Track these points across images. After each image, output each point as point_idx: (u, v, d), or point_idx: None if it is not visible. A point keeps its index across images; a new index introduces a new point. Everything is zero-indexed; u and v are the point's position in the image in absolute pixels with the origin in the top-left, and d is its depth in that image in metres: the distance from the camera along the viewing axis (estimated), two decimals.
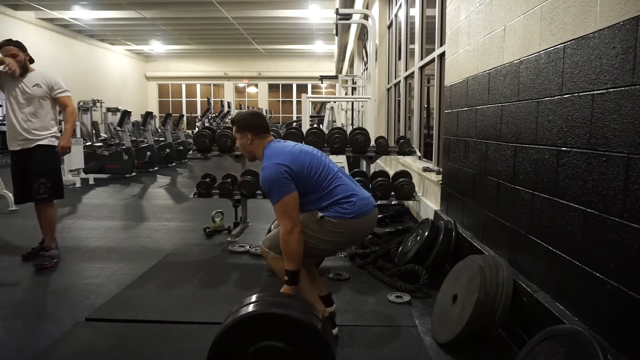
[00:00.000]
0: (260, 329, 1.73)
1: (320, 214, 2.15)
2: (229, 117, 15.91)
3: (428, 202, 4.16)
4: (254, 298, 1.88)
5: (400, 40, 6.91)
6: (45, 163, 3.47)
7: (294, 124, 14.80)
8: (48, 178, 3.46)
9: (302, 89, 24.95)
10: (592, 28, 1.64)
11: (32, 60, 3.53)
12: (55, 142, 3.53)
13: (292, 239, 2.06)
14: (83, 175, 7.83)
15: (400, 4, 6.77)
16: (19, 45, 3.44)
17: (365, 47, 11.17)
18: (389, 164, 6.98)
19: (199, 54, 24.21)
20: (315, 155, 2.26)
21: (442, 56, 4.21)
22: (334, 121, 9.29)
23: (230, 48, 21.87)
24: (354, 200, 2.18)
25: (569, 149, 1.80)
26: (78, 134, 7.89)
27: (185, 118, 16.87)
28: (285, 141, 2.36)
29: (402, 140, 4.37)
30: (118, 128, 9.71)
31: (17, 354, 2.19)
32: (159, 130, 13.64)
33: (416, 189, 4.34)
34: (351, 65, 16.88)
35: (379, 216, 4.80)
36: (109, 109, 14.00)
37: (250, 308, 1.78)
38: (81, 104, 12.58)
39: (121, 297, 2.85)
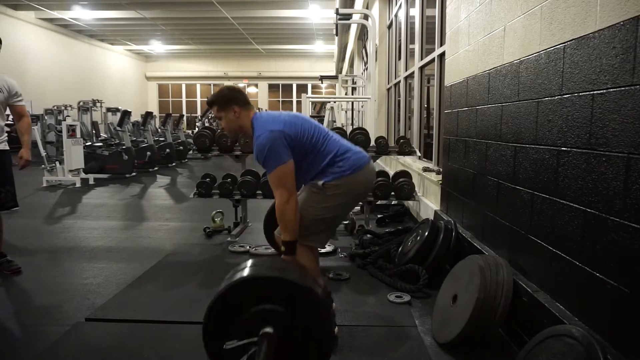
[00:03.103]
0: (257, 292, 1.69)
1: (320, 182, 2.15)
2: None
3: (428, 202, 4.16)
4: (250, 262, 1.84)
5: (400, 40, 6.91)
6: (7, 170, 3.33)
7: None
8: (11, 185, 3.33)
9: (302, 89, 24.95)
10: (592, 28, 1.64)
11: None
12: (7, 148, 3.37)
13: (288, 209, 2.06)
14: (83, 175, 7.83)
15: (400, 4, 6.77)
16: None
17: (365, 47, 11.17)
18: (389, 164, 6.98)
19: (199, 54, 24.21)
20: (305, 118, 2.27)
21: (442, 56, 4.21)
22: (334, 121, 9.29)
23: (230, 48, 21.87)
24: (348, 156, 2.20)
25: (569, 149, 1.80)
26: (78, 134, 7.88)
27: (185, 118, 16.88)
28: (271, 111, 2.33)
29: (402, 140, 4.38)
30: (118, 128, 9.71)
31: (17, 354, 2.19)
32: (159, 130, 13.64)
33: (416, 189, 4.34)
34: (351, 65, 16.88)
35: (379, 216, 4.81)
36: (109, 109, 14.01)
37: (247, 272, 1.74)
38: (81, 104, 12.60)
39: (121, 297, 2.85)
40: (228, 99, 2.25)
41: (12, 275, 3.24)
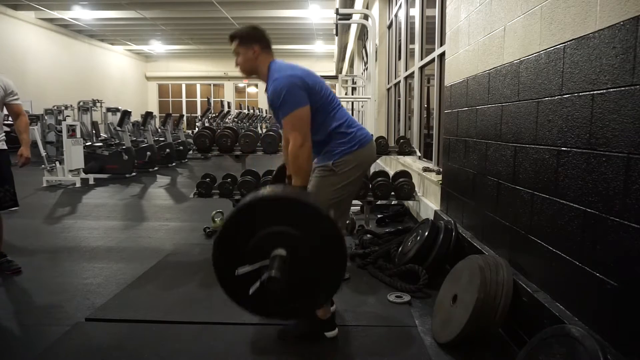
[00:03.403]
0: (271, 214, 1.64)
1: (330, 163, 2.16)
2: (229, 117, 15.93)
3: (428, 202, 4.16)
4: (265, 188, 1.80)
5: (400, 40, 6.91)
6: (6, 170, 3.32)
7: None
8: (10, 184, 3.31)
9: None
10: (592, 28, 1.64)
11: None
12: (5, 147, 3.35)
13: (302, 153, 2.02)
14: (83, 175, 7.83)
15: (400, 4, 6.77)
16: None
17: (365, 47, 11.17)
18: (389, 164, 6.98)
19: (199, 54, 24.20)
20: (319, 76, 2.26)
21: (442, 56, 4.21)
22: None
23: (230, 48, 21.81)
24: (354, 131, 2.21)
25: (569, 149, 1.80)
26: (78, 134, 7.88)
27: (185, 118, 16.87)
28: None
29: (402, 140, 4.38)
30: (118, 128, 9.71)
31: (17, 354, 2.19)
32: (159, 130, 13.63)
33: (416, 189, 4.34)
34: (351, 65, 16.89)
35: (379, 216, 4.81)
36: (109, 109, 14.00)
37: (262, 193, 1.70)
38: (81, 104, 12.60)
39: (121, 297, 2.85)
40: (251, 37, 2.21)
41: (12, 276, 3.23)
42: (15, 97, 3.34)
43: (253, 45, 2.19)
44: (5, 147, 3.35)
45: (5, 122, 3.44)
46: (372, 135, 2.30)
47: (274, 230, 1.62)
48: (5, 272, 3.26)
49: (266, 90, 2.15)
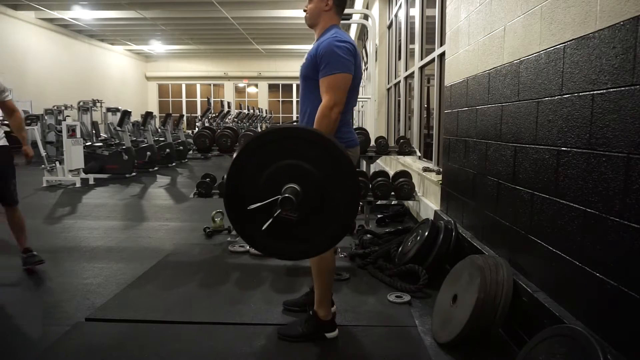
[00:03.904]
0: (283, 147, 1.60)
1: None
2: (229, 117, 15.92)
3: (428, 202, 4.16)
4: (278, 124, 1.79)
5: (400, 40, 6.91)
6: (11, 165, 3.34)
7: (295, 124, 14.77)
8: (15, 179, 3.34)
9: None
10: (592, 28, 1.64)
11: None
12: (7, 144, 3.34)
13: (330, 115, 1.96)
14: (83, 175, 7.83)
15: (400, 4, 6.78)
16: None
17: (365, 47, 11.16)
18: (389, 164, 6.98)
19: (199, 54, 24.20)
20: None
21: (442, 56, 4.21)
22: None
23: (230, 48, 21.87)
24: (349, 130, 2.23)
25: (569, 149, 1.80)
26: (78, 134, 7.88)
27: (185, 118, 16.88)
28: None
29: (402, 140, 4.37)
30: (118, 128, 9.71)
31: (17, 354, 2.19)
32: (159, 130, 13.63)
33: (416, 189, 4.34)
34: None
35: (379, 216, 4.81)
36: (109, 109, 14.01)
37: (287, 125, 1.69)
38: (81, 104, 12.60)
39: (121, 297, 2.85)
40: None
41: (34, 268, 3.30)
42: (6, 94, 3.32)
43: None
44: (5, 143, 3.33)
45: (4, 122, 3.47)
46: (359, 141, 2.36)
47: (285, 163, 1.59)
48: (29, 266, 3.31)
49: (315, 44, 2.09)
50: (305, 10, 2.24)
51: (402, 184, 4.20)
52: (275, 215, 1.56)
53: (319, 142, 1.62)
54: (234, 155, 1.70)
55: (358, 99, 2.49)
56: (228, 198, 1.71)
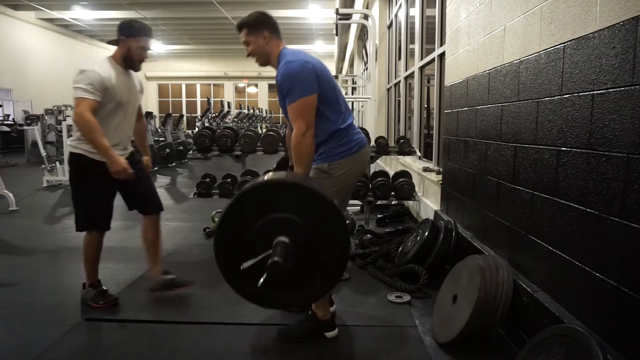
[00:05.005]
0: (274, 199, 1.62)
1: (325, 165, 2.13)
2: (229, 117, 15.91)
3: (428, 202, 4.16)
4: (270, 173, 1.78)
5: (400, 40, 6.91)
6: (144, 168, 2.85)
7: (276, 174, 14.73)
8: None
9: None
10: (592, 28, 1.64)
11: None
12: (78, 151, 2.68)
13: (305, 141, 1.99)
14: None
15: (400, 4, 6.78)
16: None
17: (365, 47, 11.17)
18: (389, 164, 6.98)
19: (199, 54, 24.20)
20: (331, 75, 2.24)
21: (442, 56, 4.21)
22: None
23: (230, 48, 21.86)
24: (353, 133, 2.21)
25: (569, 149, 1.80)
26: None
27: (185, 118, 16.88)
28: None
29: (402, 140, 4.38)
30: None
31: (17, 354, 2.19)
32: (159, 130, 13.63)
33: (416, 189, 4.34)
34: (351, 65, 16.89)
35: (379, 216, 4.81)
36: None
37: (269, 177, 1.70)
38: None
39: (121, 297, 2.85)
40: (259, 23, 2.17)
41: (188, 289, 2.78)
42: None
43: (262, 31, 2.16)
44: (78, 150, 2.52)
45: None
46: (367, 139, 2.30)
47: (275, 217, 1.59)
48: (177, 288, 2.81)
49: (276, 75, 2.11)
50: (250, 55, 2.25)
51: (402, 184, 4.20)
52: (270, 262, 1.56)
53: (300, 191, 1.64)
54: (218, 221, 1.69)
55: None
56: (218, 256, 1.72)
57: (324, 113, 2.10)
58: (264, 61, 2.22)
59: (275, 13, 15.06)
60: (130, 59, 2.54)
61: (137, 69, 2.65)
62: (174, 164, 10.71)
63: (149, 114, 10.92)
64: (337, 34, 11.12)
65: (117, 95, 2.48)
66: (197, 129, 14.14)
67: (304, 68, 2.01)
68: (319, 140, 2.14)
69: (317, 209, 1.61)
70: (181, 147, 11.18)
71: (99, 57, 2.50)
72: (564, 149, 1.83)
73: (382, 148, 4.24)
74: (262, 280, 1.55)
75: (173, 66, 25.70)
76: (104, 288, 2.69)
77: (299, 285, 1.70)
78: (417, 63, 5.49)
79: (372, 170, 4.76)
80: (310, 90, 2.01)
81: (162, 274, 2.81)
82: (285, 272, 1.57)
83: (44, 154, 8.34)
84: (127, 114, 2.62)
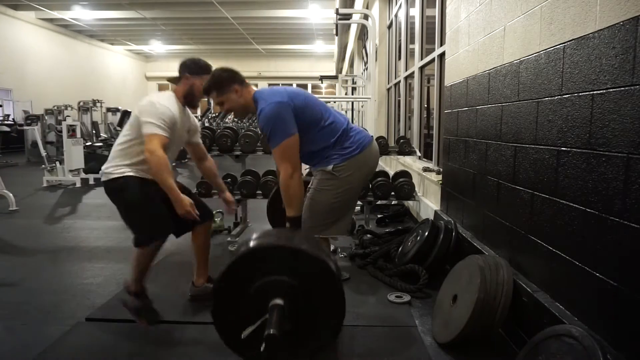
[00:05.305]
0: (266, 263, 1.65)
1: (329, 167, 2.14)
2: (229, 117, 15.91)
3: (428, 202, 4.16)
4: (260, 233, 1.81)
5: (400, 40, 6.91)
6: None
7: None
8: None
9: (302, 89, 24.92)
10: (592, 28, 1.64)
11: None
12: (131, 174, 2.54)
13: (293, 183, 2.04)
14: (83, 175, 7.83)
15: (400, 4, 6.78)
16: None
17: (365, 47, 11.17)
18: (389, 164, 6.98)
19: (199, 54, 23.93)
20: (308, 93, 2.28)
21: (442, 56, 4.21)
22: None
23: (230, 48, 21.86)
24: (353, 134, 2.21)
25: (569, 149, 1.80)
26: (78, 134, 7.88)
27: None
28: (272, 87, 2.29)
29: (402, 140, 4.38)
30: (118, 128, 9.72)
31: (17, 354, 2.19)
32: None
33: (416, 189, 4.34)
34: (351, 65, 16.89)
35: (379, 216, 4.81)
36: (109, 109, 14.00)
37: (257, 241, 1.72)
38: (81, 104, 12.60)
39: (121, 297, 2.84)
40: (226, 79, 2.18)
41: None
42: (199, 136, 2.78)
43: (232, 86, 2.17)
44: (130, 173, 2.43)
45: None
46: (371, 136, 2.29)
47: (267, 281, 1.64)
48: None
49: (257, 120, 2.16)
50: (228, 112, 2.27)
51: (402, 184, 4.20)
52: (266, 335, 1.57)
53: (287, 252, 1.67)
54: (212, 293, 1.73)
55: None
56: (220, 332, 1.77)
57: (317, 132, 2.14)
58: (244, 112, 2.24)
59: (275, 13, 15.01)
60: (192, 97, 2.49)
61: (196, 107, 2.63)
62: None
63: None
64: (337, 34, 11.13)
65: (176, 132, 2.43)
66: None
67: (279, 109, 2.03)
68: (318, 150, 2.16)
69: (306, 267, 1.65)
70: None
71: (165, 93, 2.43)
72: (564, 149, 1.83)
73: (382, 148, 4.22)
74: (262, 349, 1.58)
75: (173, 66, 25.24)
76: (150, 300, 2.48)
77: (303, 341, 1.74)
78: (417, 63, 5.49)
79: None
80: (290, 131, 2.04)
81: (207, 281, 2.72)
82: (285, 335, 1.60)
83: (44, 154, 8.35)
84: (173, 150, 2.57)
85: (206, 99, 2.65)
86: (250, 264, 1.67)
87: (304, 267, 1.65)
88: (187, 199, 2.29)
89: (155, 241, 2.38)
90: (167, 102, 2.36)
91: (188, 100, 2.50)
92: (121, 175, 2.41)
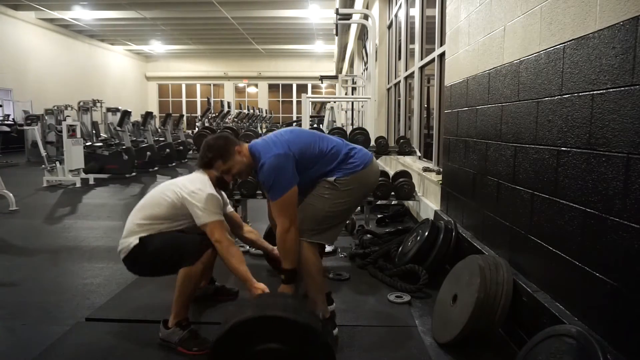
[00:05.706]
0: (258, 331, 1.71)
1: (331, 179, 2.17)
2: (229, 117, 15.92)
3: (428, 202, 4.16)
4: (251, 300, 1.86)
5: (400, 40, 6.91)
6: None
7: (294, 124, 14.81)
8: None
9: (302, 89, 24.95)
10: (592, 28, 1.64)
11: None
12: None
13: (289, 237, 2.08)
14: (83, 175, 7.83)
15: (400, 4, 6.78)
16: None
17: (365, 47, 11.18)
18: (389, 164, 6.98)
19: (199, 54, 24.21)
20: (303, 130, 2.31)
21: (442, 56, 4.21)
22: (334, 121, 9.29)
23: (230, 48, 21.88)
24: (354, 153, 2.23)
25: (569, 149, 1.80)
26: (78, 134, 7.88)
27: (185, 118, 16.87)
28: (266, 136, 2.28)
29: (402, 140, 4.38)
30: (118, 128, 9.71)
31: (17, 354, 2.19)
32: (159, 130, 13.62)
33: (416, 189, 4.34)
34: (351, 65, 16.88)
35: (379, 216, 4.81)
36: (109, 109, 13.98)
37: (248, 311, 1.77)
38: (81, 104, 12.59)
39: (121, 297, 2.85)
40: (226, 146, 2.21)
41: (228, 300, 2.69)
42: (228, 206, 2.74)
43: (233, 148, 2.20)
44: (154, 231, 2.35)
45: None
46: (372, 155, 2.34)
47: (261, 349, 1.68)
48: (221, 297, 2.80)
49: (258, 175, 2.19)
50: (237, 176, 2.31)
51: (402, 184, 4.20)
52: None
53: (280, 322, 1.71)
54: (212, 344, 1.75)
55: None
56: None
57: (320, 163, 2.18)
58: (250, 171, 2.27)
59: (275, 13, 15.02)
60: (225, 182, 2.42)
61: (227, 190, 2.63)
62: (174, 163, 10.70)
63: (149, 114, 10.90)
64: (337, 34, 11.11)
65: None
66: (197, 129, 14.14)
67: (281, 161, 2.06)
68: (325, 173, 2.19)
69: (299, 336, 1.69)
70: (181, 147, 11.17)
71: (202, 178, 2.35)
72: (564, 149, 1.83)
73: (382, 148, 4.24)
74: None
75: (173, 66, 25.70)
76: (194, 327, 2.33)
77: None
78: (417, 63, 5.49)
79: None
80: (290, 184, 2.07)
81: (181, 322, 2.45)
82: None
83: (44, 154, 8.34)
84: None
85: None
86: (240, 333, 1.71)
87: (288, 332, 1.70)
88: (262, 286, 2.18)
89: (199, 257, 2.29)
90: (210, 188, 2.31)
91: (221, 184, 2.43)
92: (136, 243, 2.32)
